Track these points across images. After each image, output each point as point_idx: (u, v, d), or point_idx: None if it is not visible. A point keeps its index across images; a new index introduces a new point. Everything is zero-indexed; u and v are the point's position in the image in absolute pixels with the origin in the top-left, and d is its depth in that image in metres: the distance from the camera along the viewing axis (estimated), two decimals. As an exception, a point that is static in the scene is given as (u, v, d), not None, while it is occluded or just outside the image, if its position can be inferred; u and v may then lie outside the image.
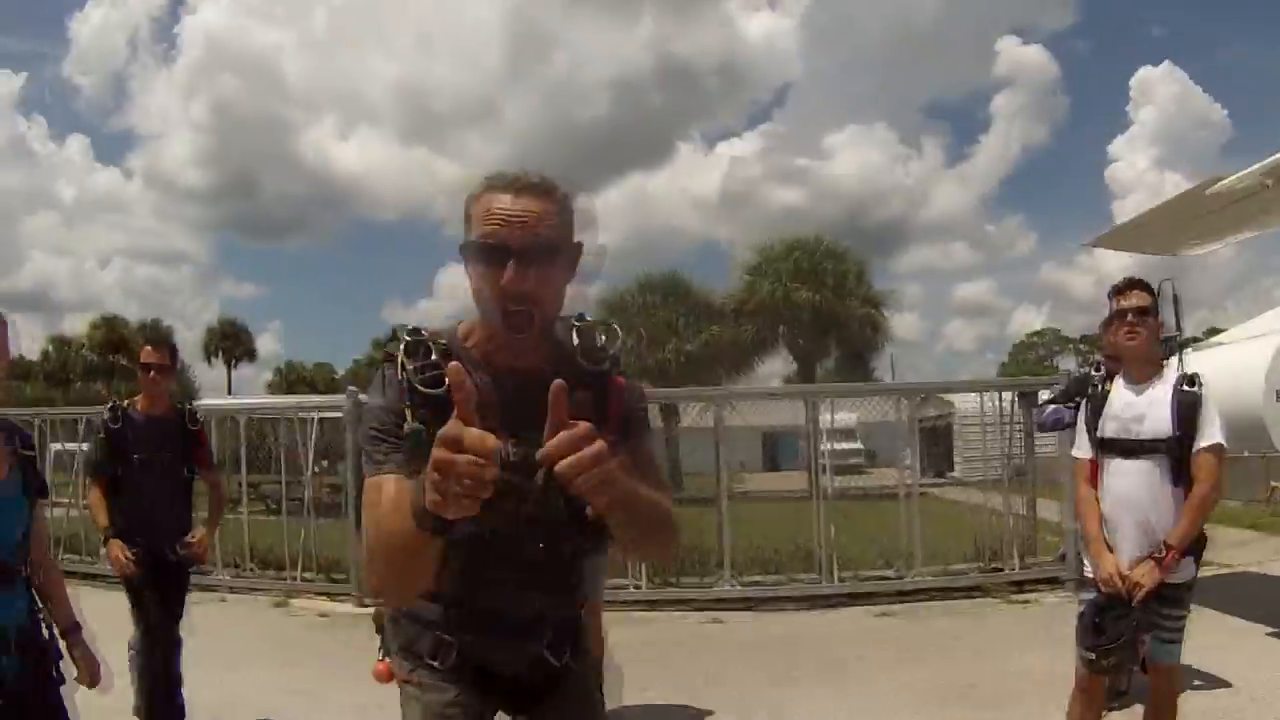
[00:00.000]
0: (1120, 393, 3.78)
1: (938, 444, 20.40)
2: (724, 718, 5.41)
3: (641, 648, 6.68)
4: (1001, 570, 9.14)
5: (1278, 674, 5.67)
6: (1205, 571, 8.66)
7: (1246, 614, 7.32)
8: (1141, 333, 3.68)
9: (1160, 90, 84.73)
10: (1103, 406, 3.79)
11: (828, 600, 8.66)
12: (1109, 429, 3.74)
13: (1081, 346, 56.71)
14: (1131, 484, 3.68)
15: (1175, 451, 3.61)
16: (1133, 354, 3.76)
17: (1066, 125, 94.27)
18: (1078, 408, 4.24)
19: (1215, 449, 3.60)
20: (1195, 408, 3.62)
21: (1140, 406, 3.69)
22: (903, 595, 8.75)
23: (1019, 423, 9.69)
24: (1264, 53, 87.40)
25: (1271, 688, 5.37)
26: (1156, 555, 3.55)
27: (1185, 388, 3.66)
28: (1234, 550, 10.93)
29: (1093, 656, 3.58)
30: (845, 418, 20.63)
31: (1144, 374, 3.74)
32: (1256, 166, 5.57)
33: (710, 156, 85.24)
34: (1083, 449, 3.88)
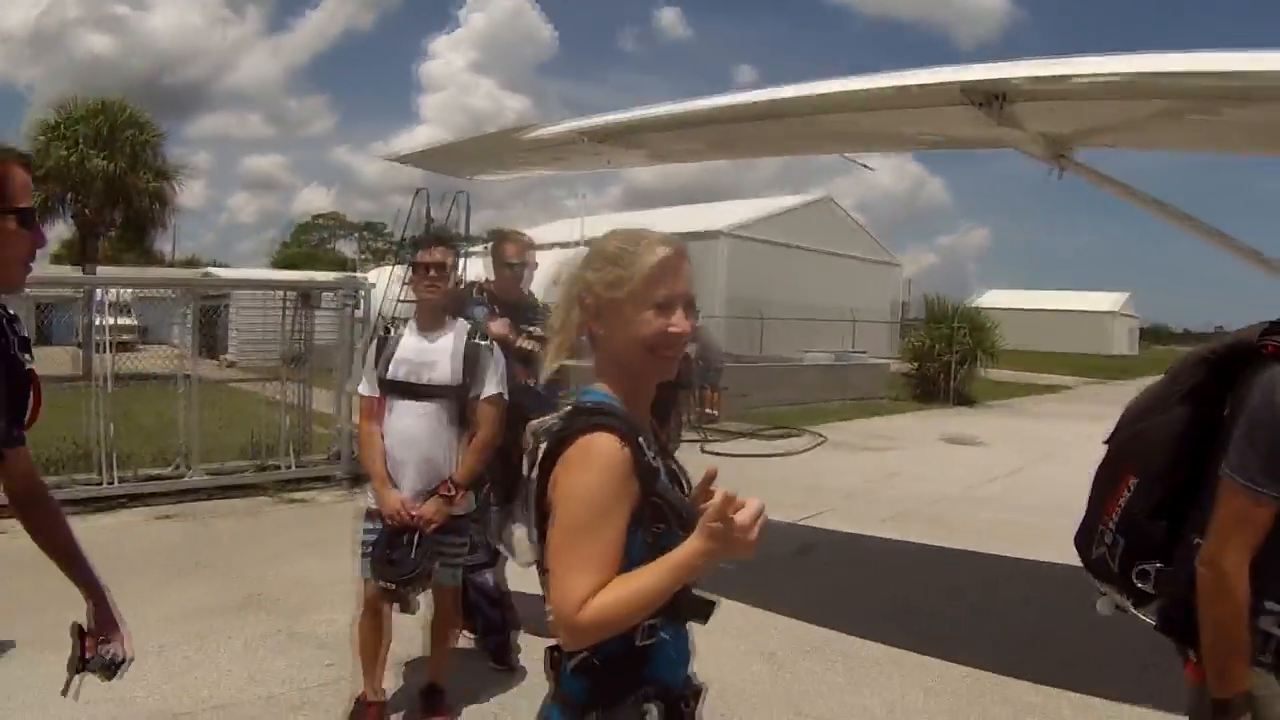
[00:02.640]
0: (412, 339, 4.01)
1: (214, 324, 19.80)
2: (26, 649, 4.77)
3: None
4: (279, 469, 9.32)
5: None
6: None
7: None
8: (440, 287, 3.97)
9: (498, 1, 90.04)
10: (394, 351, 3.98)
11: (109, 503, 8.13)
12: (400, 372, 3.96)
13: (365, 234, 58.55)
14: (416, 424, 3.93)
15: (458, 398, 3.97)
16: (429, 306, 4.02)
17: (394, 14, 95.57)
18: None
19: (494, 399, 4.00)
20: (479, 360, 3.99)
21: (431, 354, 3.97)
22: (180, 495, 8.51)
23: (299, 312, 9.90)
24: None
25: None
26: (445, 492, 3.86)
27: (473, 341, 4.02)
28: None
29: (392, 586, 3.78)
30: (122, 292, 19.06)
31: (436, 324, 4.02)
32: (574, 123, 5.91)
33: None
34: (369, 387, 4.03)
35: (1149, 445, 2.19)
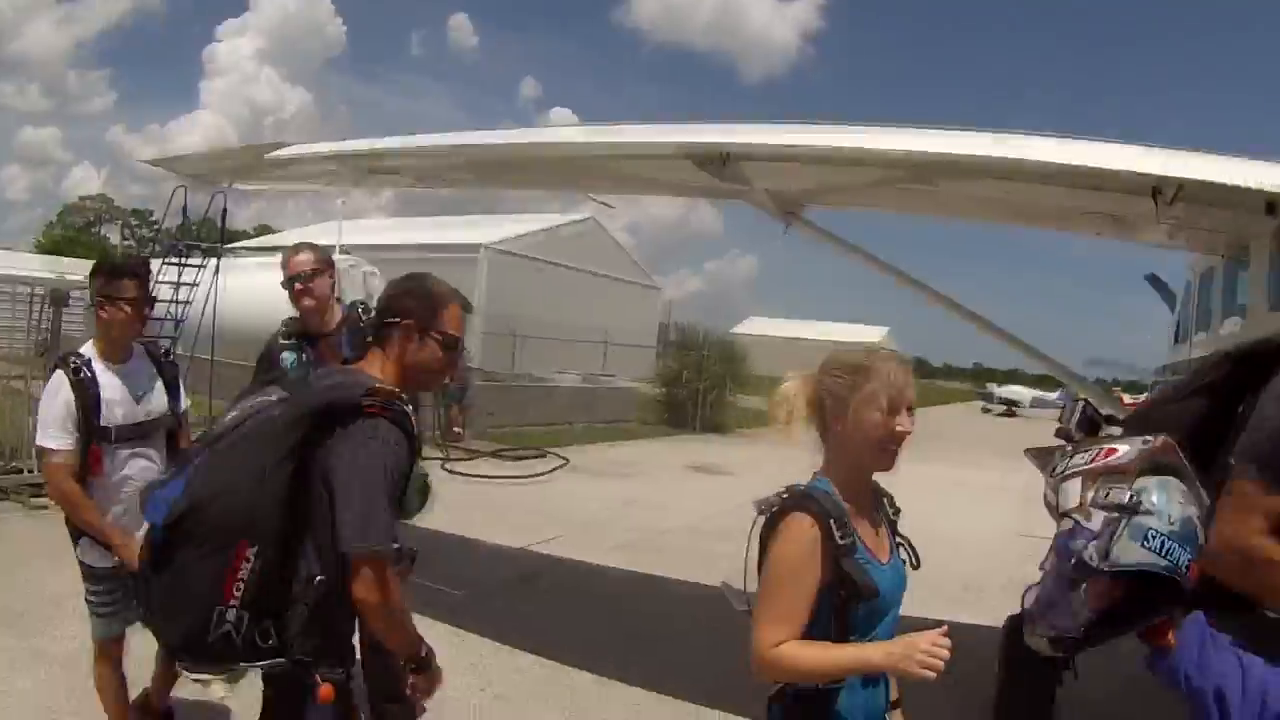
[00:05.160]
0: (107, 375, 3.61)
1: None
2: None
3: None
4: (21, 472, 8.63)
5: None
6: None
7: None
8: (136, 317, 3.66)
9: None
10: (98, 392, 3.54)
11: None
12: (117, 415, 3.59)
13: (133, 221, 54.36)
14: (148, 467, 3.63)
15: (170, 425, 3.78)
16: (123, 338, 3.68)
17: None
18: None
19: (187, 412, 3.94)
20: (175, 377, 3.86)
21: (139, 386, 3.69)
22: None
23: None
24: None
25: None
26: None
27: (160, 357, 3.84)
28: None
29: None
30: None
31: (126, 354, 3.70)
32: (319, 147, 5.87)
33: None
34: (65, 439, 3.50)
35: (1154, 426, 2.29)
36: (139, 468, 3.64)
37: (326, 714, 2.43)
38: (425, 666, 2.55)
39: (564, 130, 4.71)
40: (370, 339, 2.65)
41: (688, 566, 8.23)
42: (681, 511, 11.29)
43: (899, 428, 2.14)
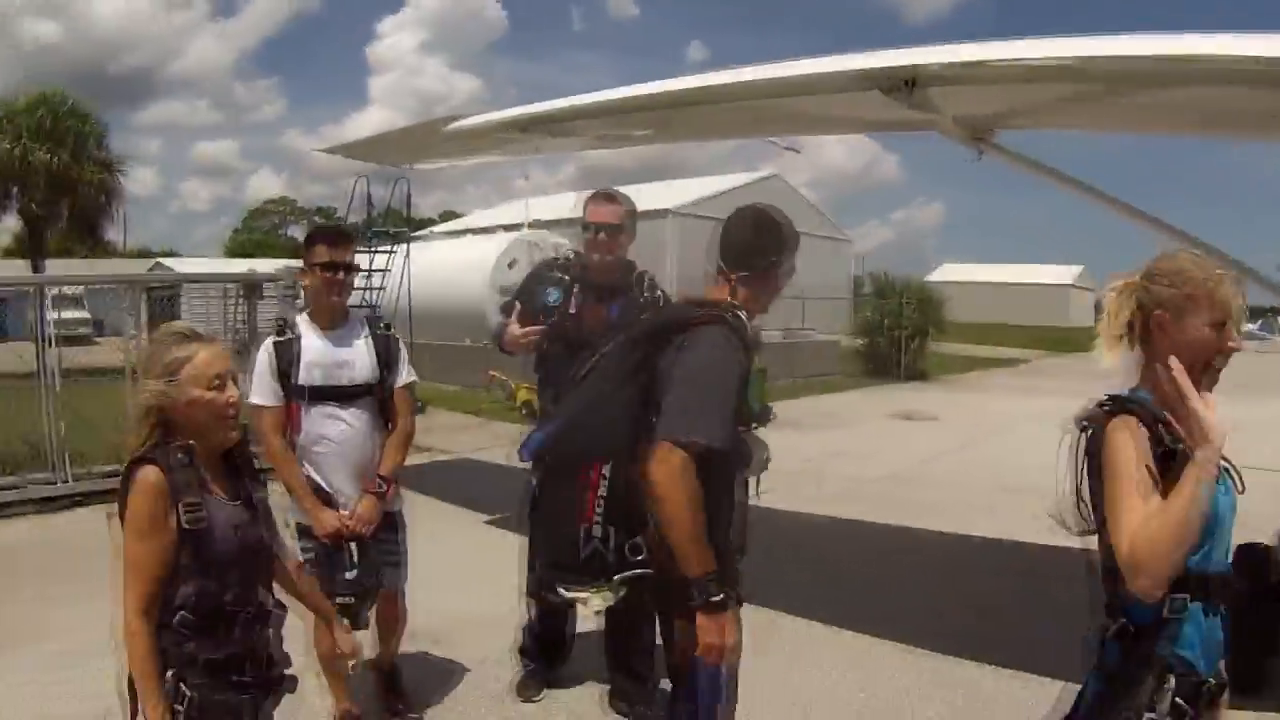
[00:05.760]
0: (315, 339, 3.72)
1: (168, 316, 19.69)
2: None
3: None
4: None
5: (496, 559, 5.72)
6: (422, 459, 9.83)
7: (463, 500, 8.09)
8: (345, 286, 3.76)
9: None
10: (299, 353, 3.67)
11: (64, 502, 8.13)
12: (315, 376, 3.67)
13: (318, 219, 57.72)
14: (343, 430, 3.69)
15: (379, 394, 3.77)
16: (332, 305, 3.75)
17: None
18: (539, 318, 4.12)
19: (410, 387, 3.88)
20: (391, 351, 3.81)
21: (343, 353, 3.73)
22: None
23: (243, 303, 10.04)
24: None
25: (492, 576, 5.53)
26: (377, 489, 3.70)
27: (380, 332, 3.84)
28: (453, 435, 12.12)
29: (351, 600, 3.58)
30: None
31: (337, 321, 3.78)
32: (496, 115, 5.90)
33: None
34: (271, 396, 3.68)
35: None
36: (337, 430, 3.70)
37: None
38: (716, 608, 2.41)
39: (742, 70, 4.64)
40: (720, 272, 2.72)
41: (903, 512, 8.15)
42: (890, 459, 11.15)
43: (1230, 343, 2.05)
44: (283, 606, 2.47)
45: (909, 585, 6.19)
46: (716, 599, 2.40)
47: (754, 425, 2.90)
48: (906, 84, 4.14)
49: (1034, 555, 6.49)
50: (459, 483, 9.01)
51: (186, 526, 2.19)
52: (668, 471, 2.32)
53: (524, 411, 13.85)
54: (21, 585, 6.04)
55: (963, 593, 6.02)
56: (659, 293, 4.19)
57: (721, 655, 2.44)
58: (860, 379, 21.66)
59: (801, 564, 6.61)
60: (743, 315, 2.57)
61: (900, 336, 22.53)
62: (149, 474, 2.18)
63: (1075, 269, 62.69)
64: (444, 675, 4.63)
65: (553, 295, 4.16)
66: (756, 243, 2.71)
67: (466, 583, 5.83)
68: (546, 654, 4.46)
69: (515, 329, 4.15)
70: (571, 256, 4.31)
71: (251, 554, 2.34)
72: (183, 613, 2.20)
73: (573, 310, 4.12)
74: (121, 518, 2.22)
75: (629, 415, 2.50)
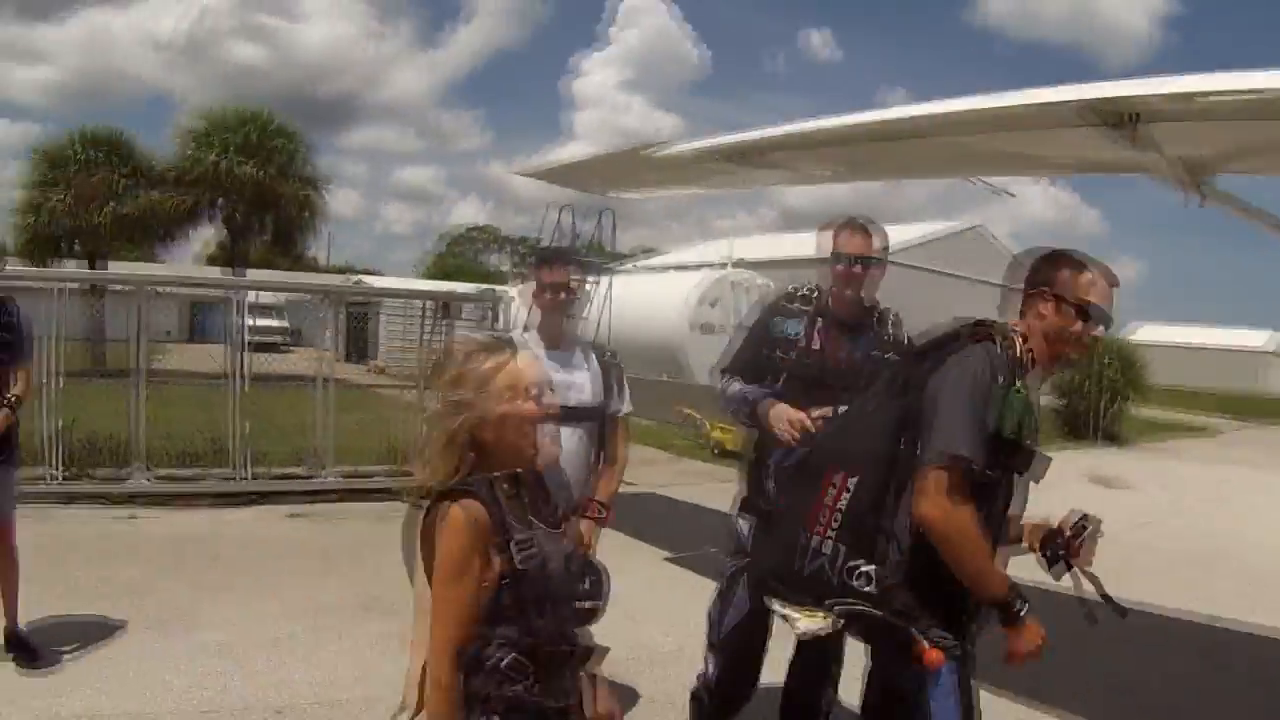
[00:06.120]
0: (542, 358, 3.57)
1: (362, 329, 20.67)
2: (138, 630, 5.10)
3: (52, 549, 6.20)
4: (412, 475, 9.42)
5: (672, 597, 5.95)
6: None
7: (645, 534, 7.97)
8: (567, 305, 3.81)
9: (646, 19, 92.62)
10: None
11: (241, 498, 8.50)
12: None
13: (520, 248, 60.03)
14: (565, 449, 3.55)
15: (598, 418, 3.77)
16: (558, 326, 3.81)
17: (544, 32, 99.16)
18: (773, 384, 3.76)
19: (627, 417, 3.90)
20: (613, 378, 3.83)
21: (569, 375, 3.72)
22: (313, 496, 8.78)
23: (441, 320, 10.20)
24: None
25: (666, 613, 5.70)
26: (596, 514, 3.72)
27: (605, 359, 3.87)
28: (641, 469, 11.99)
29: None
30: (271, 295, 20.03)
31: (565, 343, 3.80)
32: (699, 142, 5.81)
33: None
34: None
35: None
36: (567, 451, 3.61)
37: (942, 686, 2.43)
38: (1013, 621, 2.41)
39: (950, 101, 4.42)
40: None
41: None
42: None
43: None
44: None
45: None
46: (1023, 612, 2.41)
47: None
48: (1129, 118, 3.85)
49: None
50: (643, 517, 8.84)
51: (520, 566, 1.98)
52: (936, 497, 2.30)
53: (716, 451, 14.13)
54: (184, 572, 6.34)
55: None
56: (903, 331, 3.89)
57: (1039, 656, 2.45)
58: (1056, 439, 20.50)
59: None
60: (1011, 339, 2.53)
61: (1100, 398, 21.27)
62: (471, 510, 1.98)
63: (1265, 333, 57.19)
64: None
65: (791, 328, 3.81)
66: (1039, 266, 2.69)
67: (641, 618, 5.71)
68: (721, 711, 4.13)
69: (789, 410, 3.60)
70: (816, 289, 3.94)
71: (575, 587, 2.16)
72: (514, 654, 1.99)
73: (816, 346, 3.78)
74: (426, 557, 2.06)
75: (888, 431, 2.42)
